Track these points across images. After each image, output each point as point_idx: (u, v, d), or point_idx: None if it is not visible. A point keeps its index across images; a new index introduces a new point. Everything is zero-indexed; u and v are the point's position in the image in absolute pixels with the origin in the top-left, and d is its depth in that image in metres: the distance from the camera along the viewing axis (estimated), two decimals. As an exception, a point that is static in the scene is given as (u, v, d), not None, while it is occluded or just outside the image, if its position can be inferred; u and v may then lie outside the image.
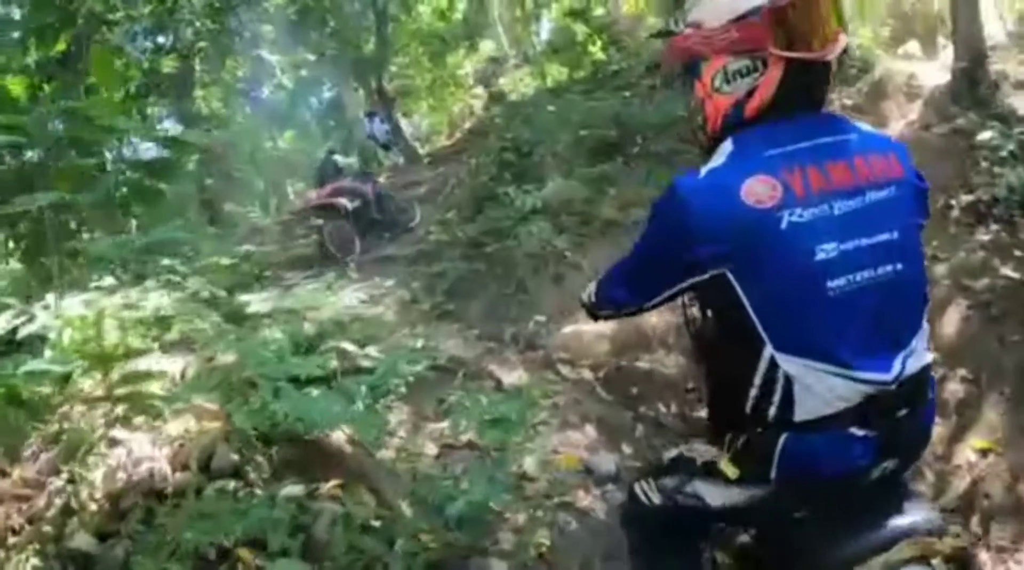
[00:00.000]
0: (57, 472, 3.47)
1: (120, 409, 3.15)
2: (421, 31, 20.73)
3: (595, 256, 7.39)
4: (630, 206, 7.89)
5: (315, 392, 3.49)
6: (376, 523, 3.02)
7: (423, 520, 3.19)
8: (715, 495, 1.92)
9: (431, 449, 4.14)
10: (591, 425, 4.95)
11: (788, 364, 1.69)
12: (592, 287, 2.22)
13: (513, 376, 5.60)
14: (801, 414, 1.72)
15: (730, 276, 1.69)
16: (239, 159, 15.88)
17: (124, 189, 2.18)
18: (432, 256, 8.48)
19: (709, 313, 2.01)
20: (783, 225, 1.64)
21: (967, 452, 4.62)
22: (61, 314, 3.68)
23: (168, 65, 13.79)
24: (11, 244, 6.58)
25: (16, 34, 10.58)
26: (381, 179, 12.26)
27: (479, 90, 18.46)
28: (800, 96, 1.77)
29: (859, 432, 1.72)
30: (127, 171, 2.19)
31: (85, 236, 4.56)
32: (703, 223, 1.68)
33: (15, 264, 6.88)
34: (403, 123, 18.40)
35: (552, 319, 6.79)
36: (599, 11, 18.31)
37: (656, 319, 6.84)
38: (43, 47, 10.44)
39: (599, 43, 17.64)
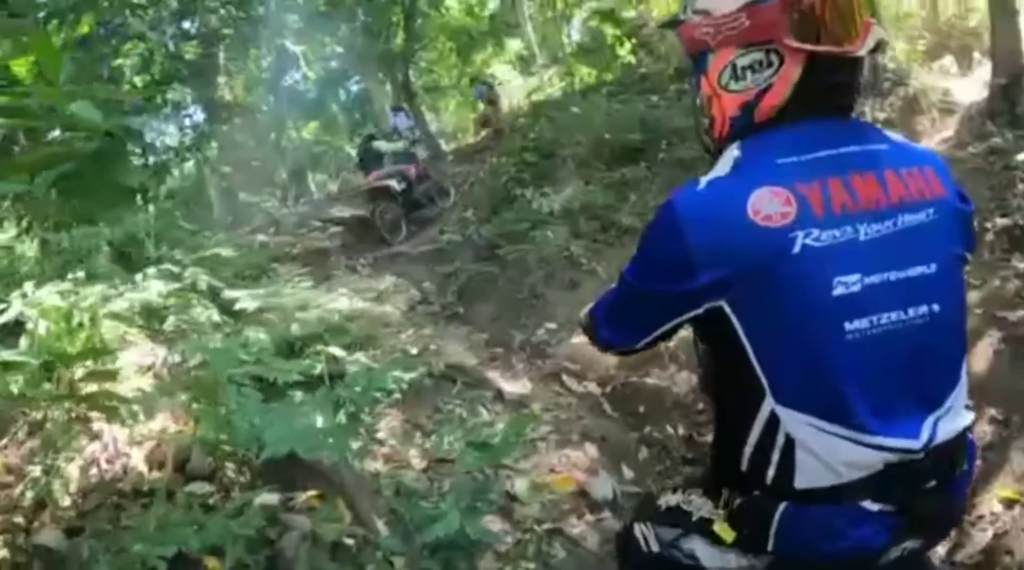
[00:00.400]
0: (35, 457, 3.34)
1: (81, 408, 2.98)
2: (449, 27, 20.55)
3: (612, 264, 7.18)
4: (650, 213, 7.64)
5: (288, 401, 3.30)
6: (349, 541, 2.80)
7: (399, 543, 2.98)
8: (711, 557, 1.63)
9: (419, 462, 3.91)
10: (592, 444, 4.71)
11: (791, 421, 1.40)
12: (584, 312, 1.92)
13: (516, 386, 5.39)
14: (803, 481, 1.43)
15: (727, 309, 1.40)
16: (260, 148, 15.83)
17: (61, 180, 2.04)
18: (446, 255, 8.31)
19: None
20: (796, 249, 1.34)
21: (991, 502, 4.29)
22: (37, 303, 3.51)
23: (192, 51, 13.69)
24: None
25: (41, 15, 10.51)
26: (421, 154, 12.18)
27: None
28: (822, 99, 1.47)
29: (874, 507, 1.42)
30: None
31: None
32: (700, 244, 1.39)
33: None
34: (428, 119, 18.26)
35: (563, 327, 6.58)
36: (630, 13, 18.02)
37: (671, 331, 6.63)
38: (65, 29, 10.35)
39: (628, 46, 17.42)
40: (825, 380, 1.38)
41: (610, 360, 6.11)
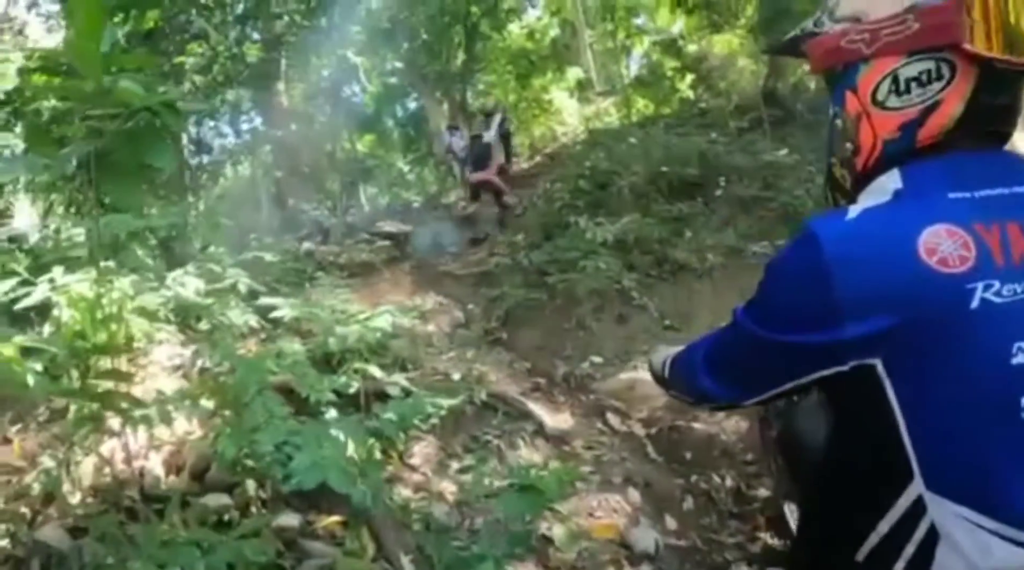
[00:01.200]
0: (51, 447, 3.21)
1: (92, 407, 2.82)
2: (510, 50, 20.51)
3: (664, 300, 6.96)
4: (706, 251, 7.44)
5: (320, 421, 3.10)
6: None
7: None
8: None
9: (452, 494, 3.68)
10: (635, 489, 4.45)
11: (941, 513, 1.14)
12: (666, 357, 1.69)
13: (558, 420, 5.15)
14: None
15: (880, 369, 1.14)
16: (313, 157, 15.85)
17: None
18: (493, 278, 8.11)
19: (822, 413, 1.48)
20: (974, 303, 1.10)
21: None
22: (64, 290, 3.37)
23: (254, 55, 13.75)
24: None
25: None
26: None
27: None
28: (988, 120, 1.24)
29: None
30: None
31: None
32: (854, 286, 1.13)
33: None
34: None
35: (609, 362, 6.35)
36: (691, 47, 17.84)
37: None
38: (130, 23, 10.44)
39: (688, 79, 17.24)
40: (991, 466, 1.12)
41: (657, 401, 5.86)
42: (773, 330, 1.26)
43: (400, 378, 4.04)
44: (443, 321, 7.14)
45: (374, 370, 3.84)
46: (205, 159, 11.89)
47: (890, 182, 1.24)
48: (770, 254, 7.46)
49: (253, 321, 5.02)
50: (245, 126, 15.33)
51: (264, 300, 4.60)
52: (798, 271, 1.22)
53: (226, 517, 3.04)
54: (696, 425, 5.47)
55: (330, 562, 2.66)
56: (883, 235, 1.15)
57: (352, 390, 3.50)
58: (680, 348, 1.73)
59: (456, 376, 4.87)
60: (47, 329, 3.60)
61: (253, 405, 2.78)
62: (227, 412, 3.06)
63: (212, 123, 13.06)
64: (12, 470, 3.30)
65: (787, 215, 8.09)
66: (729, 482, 4.77)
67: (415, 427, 3.42)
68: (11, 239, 5.88)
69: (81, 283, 3.35)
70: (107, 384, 2.66)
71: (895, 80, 1.24)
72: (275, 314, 4.08)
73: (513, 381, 5.75)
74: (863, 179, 1.32)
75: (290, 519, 3.03)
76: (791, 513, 3.10)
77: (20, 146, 4.16)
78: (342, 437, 2.81)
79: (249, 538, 2.57)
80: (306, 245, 10.57)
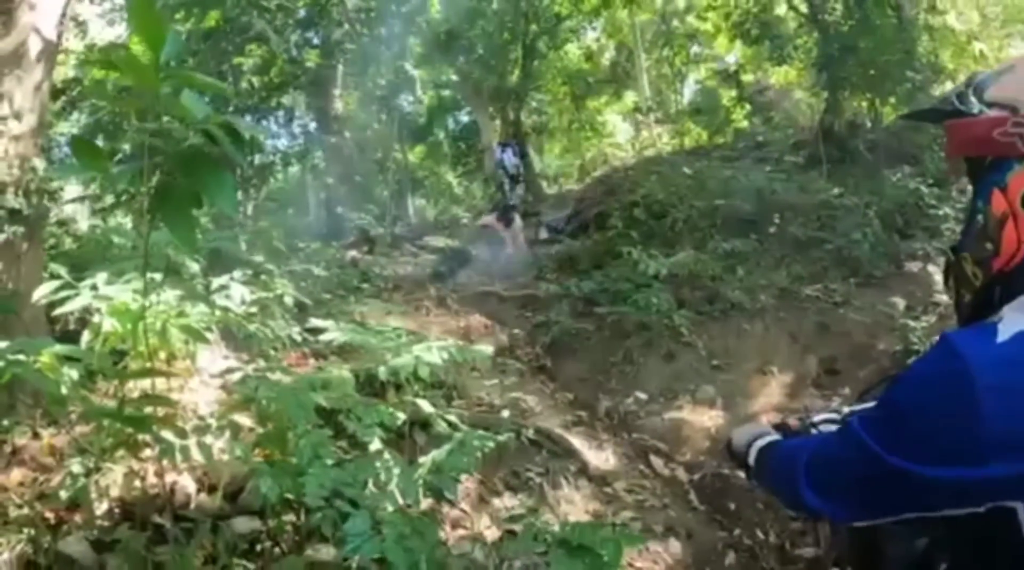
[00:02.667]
0: (83, 452, 3.09)
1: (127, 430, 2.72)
2: (567, 70, 20.44)
3: (712, 339, 6.80)
4: (758, 290, 7.26)
5: (368, 457, 3.00)
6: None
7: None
8: None
9: (492, 531, 3.54)
10: (677, 540, 4.30)
11: None
12: (753, 440, 1.59)
13: (600, 458, 5.01)
14: None
15: (1022, 516, 1.02)
16: (364, 165, 15.87)
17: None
18: (539, 303, 7.99)
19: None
20: None
21: None
22: (107, 298, 3.30)
23: (312, 60, 13.81)
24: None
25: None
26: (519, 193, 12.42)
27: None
28: None
29: None
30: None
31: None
32: (1006, 419, 0.99)
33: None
34: (534, 159, 18.12)
35: (653, 399, 6.20)
36: (748, 77, 17.65)
37: (766, 420, 6.16)
38: (192, 20, 10.54)
39: (744, 110, 17.05)
40: None
41: (700, 445, 5.71)
42: (901, 456, 1.10)
43: (451, 415, 3.93)
44: (487, 344, 7.03)
45: (423, 404, 3.74)
46: (256, 159, 11.90)
47: None
48: (822, 298, 7.31)
49: (297, 335, 4.95)
50: (298, 129, 15.37)
51: (313, 321, 4.53)
52: (942, 397, 1.07)
53: (258, 547, 2.96)
54: (741, 474, 5.29)
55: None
56: None
57: (399, 422, 3.41)
58: (770, 435, 1.63)
59: (504, 412, 4.74)
60: (86, 336, 3.56)
61: (300, 445, 2.68)
62: (268, 445, 2.95)
63: (265, 122, 13.07)
64: (39, 467, 3.23)
65: (841, 258, 7.91)
66: (773, 538, 4.60)
67: (466, 471, 3.30)
68: (60, 222, 5.87)
69: (123, 293, 3.28)
70: (146, 408, 2.58)
71: None
72: (325, 338, 4.00)
73: (555, 413, 5.62)
74: (997, 280, 1.19)
75: (327, 551, 2.91)
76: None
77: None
78: (394, 486, 2.70)
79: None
80: (351, 253, 10.53)
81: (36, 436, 3.39)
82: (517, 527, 3.29)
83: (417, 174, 22.46)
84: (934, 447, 1.06)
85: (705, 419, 5.96)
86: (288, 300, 5.32)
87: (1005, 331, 1.07)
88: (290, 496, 2.74)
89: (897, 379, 1.17)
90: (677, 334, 6.67)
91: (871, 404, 1.55)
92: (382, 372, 3.56)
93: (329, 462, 2.67)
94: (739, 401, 6.22)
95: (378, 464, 2.89)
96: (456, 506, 3.85)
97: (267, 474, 2.59)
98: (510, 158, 13.77)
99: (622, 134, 21.47)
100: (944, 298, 7.02)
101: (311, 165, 15.99)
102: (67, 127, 10.36)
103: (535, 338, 7.18)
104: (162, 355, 3.61)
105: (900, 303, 7.30)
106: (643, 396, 6.21)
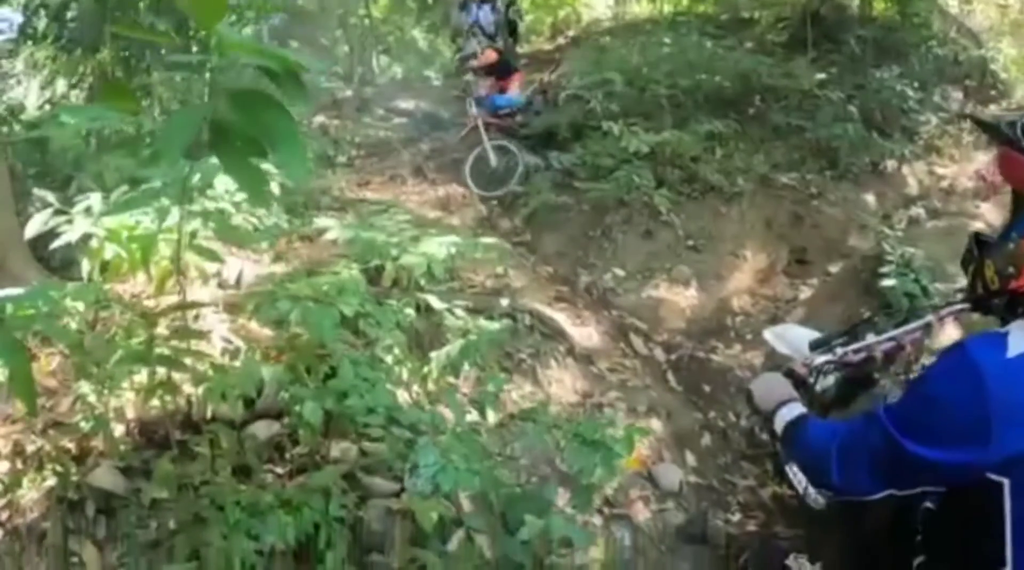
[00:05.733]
0: (87, 375, 2.97)
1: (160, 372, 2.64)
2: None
3: (689, 219, 6.83)
4: (736, 174, 7.25)
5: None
6: (433, 515, 2.53)
7: (480, 518, 2.74)
8: None
9: (494, 416, 3.63)
10: (659, 420, 4.48)
11: None
12: (780, 405, 1.86)
13: (583, 336, 5.12)
14: None
15: (1006, 489, 1.35)
16: (327, 23, 15.16)
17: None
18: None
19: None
20: None
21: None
22: (104, 225, 3.13)
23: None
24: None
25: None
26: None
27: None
28: None
29: None
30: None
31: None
32: (1005, 420, 1.32)
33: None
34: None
35: (631, 276, 6.30)
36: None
37: (737, 304, 6.34)
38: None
39: (730, -24, 16.51)
40: None
41: (676, 324, 5.87)
42: (918, 443, 1.43)
43: (457, 309, 3.91)
44: (467, 215, 7.03)
45: (432, 300, 3.74)
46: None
47: None
48: (798, 188, 7.35)
49: (284, 223, 4.74)
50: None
51: (318, 222, 4.42)
52: (957, 393, 1.38)
53: (281, 452, 2.99)
54: (714, 357, 5.50)
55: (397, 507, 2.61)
56: None
57: (409, 320, 3.42)
58: (793, 401, 1.89)
59: (503, 301, 4.75)
60: (84, 266, 3.39)
61: (341, 365, 2.66)
62: (304, 365, 2.89)
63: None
64: (43, 390, 3.11)
65: (820, 149, 7.89)
66: (743, 422, 4.82)
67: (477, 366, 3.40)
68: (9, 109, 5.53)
69: (125, 217, 3.09)
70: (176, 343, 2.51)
71: None
72: (329, 237, 3.95)
73: (538, 288, 5.69)
74: (1010, 293, 1.47)
75: (346, 449, 2.94)
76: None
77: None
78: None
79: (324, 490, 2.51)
80: (319, 119, 10.12)
81: (34, 358, 3.23)
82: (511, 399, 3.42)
83: (380, 30, 21.61)
84: (947, 435, 1.37)
85: (680, 299, 6.10)
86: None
87: (1014, 347, 1.36)
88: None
89: (920, 378, 1.50)
90: (656, 212, 6.70)
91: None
92: (389, 269, 3.58)
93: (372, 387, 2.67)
94: (713, 283, 6.36)
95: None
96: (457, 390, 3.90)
97: (308, 397, 2.60)
98: (486, 14, 13.21)
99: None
100: (917, 209, 7.17)
101: (270, 26, 15.15)
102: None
103: (514, 210, 7.17)
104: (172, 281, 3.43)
105: (872, 201, 7.41)
106: (621, 273, 6.30)
